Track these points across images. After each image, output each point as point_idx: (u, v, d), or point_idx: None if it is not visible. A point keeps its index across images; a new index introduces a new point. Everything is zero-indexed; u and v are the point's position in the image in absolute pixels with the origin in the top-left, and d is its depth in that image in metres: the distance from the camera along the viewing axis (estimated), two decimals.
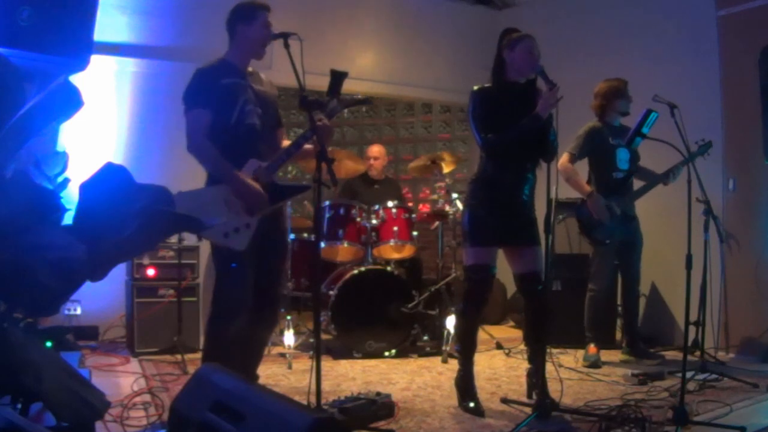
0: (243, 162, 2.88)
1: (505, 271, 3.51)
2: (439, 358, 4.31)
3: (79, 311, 4.45)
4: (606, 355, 4.28)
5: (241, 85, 2.94)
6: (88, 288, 1.95)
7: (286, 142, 3.22)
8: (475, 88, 3.19)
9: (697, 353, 4.06)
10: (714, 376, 3.70)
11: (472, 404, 3.13)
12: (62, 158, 2.31)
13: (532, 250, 3.20)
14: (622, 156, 4.27)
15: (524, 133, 3.05)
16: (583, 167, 4.36)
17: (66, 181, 2.24)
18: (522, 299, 3.35)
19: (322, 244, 4.47)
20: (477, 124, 3.15)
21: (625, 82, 4.30)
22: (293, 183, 2.87)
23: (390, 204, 4.63)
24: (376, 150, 5.41)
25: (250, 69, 3.06)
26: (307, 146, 3.02)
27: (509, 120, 3.07)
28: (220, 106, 2.88)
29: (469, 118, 3.21)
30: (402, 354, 4.42)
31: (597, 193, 4.18)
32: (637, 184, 4.39)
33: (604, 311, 4.40)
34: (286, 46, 2.78)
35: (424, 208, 4.85)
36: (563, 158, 4.18)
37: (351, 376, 3.87)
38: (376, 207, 4.62)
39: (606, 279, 4.35)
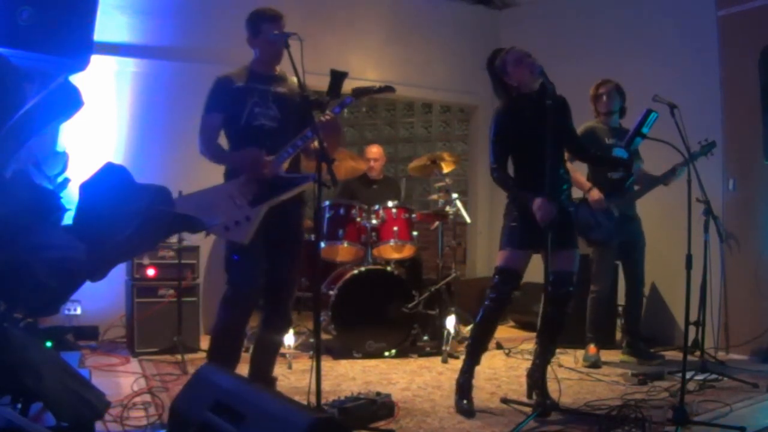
0: None
1: None
2: (439, 358, 4.31)
3: (79, 311, 4.45)
4: (606, 355, 4.28)
5: (254, 88, 3.04)
6: (88, 288, 1.95)
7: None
8: (498, 108, 3.20)
9: (697, 353, 4.05)
10: (714, 376, 3.70)
11: (465, 401, 3.15)
12: (62, 158, 2.32)
13: (568, 252, 3.15)
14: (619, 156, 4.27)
15: (515, 193, 3.14)
16: (581, 169, 4.35)
17: (66, 181, 2.24)
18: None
19: (322, 244, 4.47)
20: (494, 148, 3.16)
21: (605, 82, 4.31)
22: (295, 174, 2.87)
23: (390, 204, 4.63)
24: (375, 151, 5.38)
25: (277, 71, 3.15)
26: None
27: (529, 132, 3.08)
28: (232, 108, 3.02)
29: (489, 138, 3.20)
30: (402, 354, 4.42)
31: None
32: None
33: (604, 312, 4.40)
34: (287, 46, 2.80)
35: (420, 218, 4.83)
36: None
37: (351, 376, 3.87)
38: (376, 207, 4.61)
39: (607, 280, 4.35)
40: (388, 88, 3.15)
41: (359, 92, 3.07)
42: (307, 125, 3.12)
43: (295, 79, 3.13)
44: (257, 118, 3.02)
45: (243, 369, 3.19)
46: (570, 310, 3.20)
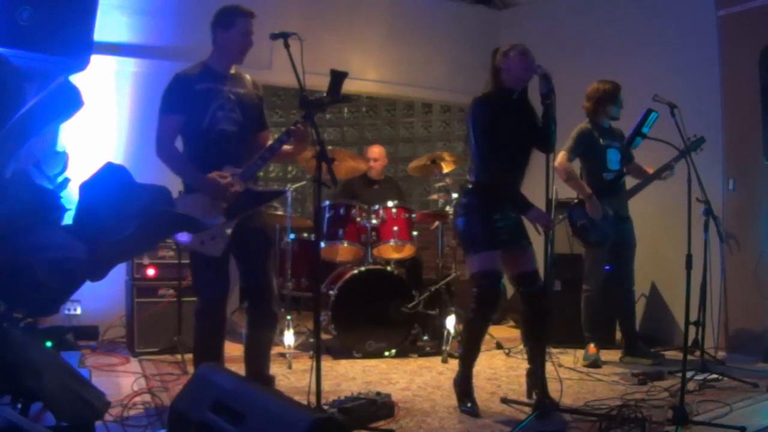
0: (217, 167, 2.94)
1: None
2: (439, 358, 4.31)
3: (79, 311, 4.45)
4: (606, 355, 4.28)
5: (215, 90, 2.99)
6: (88, 288, 1.96)
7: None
8: (477, 96, 3.19)
9: (697, 353, 4.06)
10: (714, 376, 3.70)
11: (469, 404, 3.14)
12: (62, 158, 2.32)
13: (528, 250, 3.21)
14: (613, 157, 4.26)
15: (512, 198, 3.15)
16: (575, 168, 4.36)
17: (66, 181, 2.24)
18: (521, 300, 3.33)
19: (322, 244, 4.47)
20: (476, 135, 3.15)
21: (618, 87, 4.25)
22: (268, 188, 2.94)
23: (390, 204, 4.63)
24: (376, 151, 5.37)
25: (233, 71, 3.10)
26: (286, 148, 3.09)
27: (507, 131, 3.10)
28: (192, 111, 2.96)
29: (469, 126, 3.19)
30: (402, 354, 4.42)
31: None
32: (632, 182, 4.38)
33: (601, 311, 4.39)
34: (286, 46, 2.80)
35: (420, 218, 4.85)
36: (561, 157, 4.14)
37: (351, 376, 3.87)
38: (376, 207, 4.61)
39: (599, 279, 4.33)
40: (346, 98, 3.15)
41: (321, 106, 2.97)
42: (262, 128, 3.20)
43: (249, 77, 3.16)
44: (219, 122, 2.98)
45: (240, 370, 3.19)
46: (548, 307, 3.21)
